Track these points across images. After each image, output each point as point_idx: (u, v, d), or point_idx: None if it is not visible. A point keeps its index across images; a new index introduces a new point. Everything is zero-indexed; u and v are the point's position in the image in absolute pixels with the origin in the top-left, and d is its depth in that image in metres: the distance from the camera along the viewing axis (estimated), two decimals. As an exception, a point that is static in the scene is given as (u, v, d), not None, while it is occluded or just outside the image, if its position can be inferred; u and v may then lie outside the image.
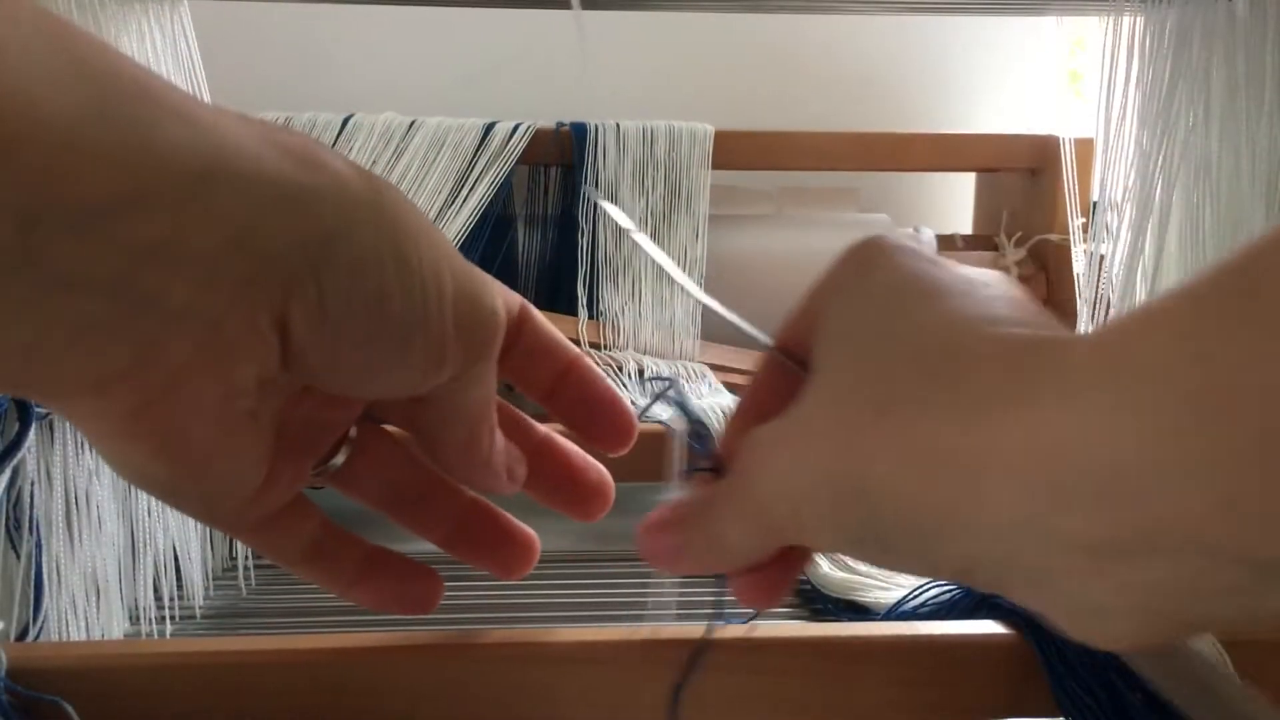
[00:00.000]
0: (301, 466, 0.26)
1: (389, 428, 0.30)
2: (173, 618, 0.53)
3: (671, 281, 0.74)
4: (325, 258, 0.21)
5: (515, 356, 0.29)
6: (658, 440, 0.56)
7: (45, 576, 0.45)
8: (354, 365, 0.22)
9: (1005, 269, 0.85)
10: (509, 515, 0.31)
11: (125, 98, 0.18)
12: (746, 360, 0.73)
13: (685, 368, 0.72)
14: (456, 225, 0.71)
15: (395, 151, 0.74)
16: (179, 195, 0.18)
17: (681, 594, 0.36)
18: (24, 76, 0.16)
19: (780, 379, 0.26)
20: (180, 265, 0.19)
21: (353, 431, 0.28)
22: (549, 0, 0.74)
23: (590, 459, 0.31)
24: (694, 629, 0.37)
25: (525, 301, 0.29)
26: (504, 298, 0.27)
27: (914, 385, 0.21)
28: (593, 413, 0.31)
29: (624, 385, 0.69)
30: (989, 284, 0.23)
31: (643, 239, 0.29)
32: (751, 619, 0.33)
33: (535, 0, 0.75)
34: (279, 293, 0.20)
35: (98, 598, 0.48)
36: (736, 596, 0.27)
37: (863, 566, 0.54)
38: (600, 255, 0.74)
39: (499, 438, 0.28)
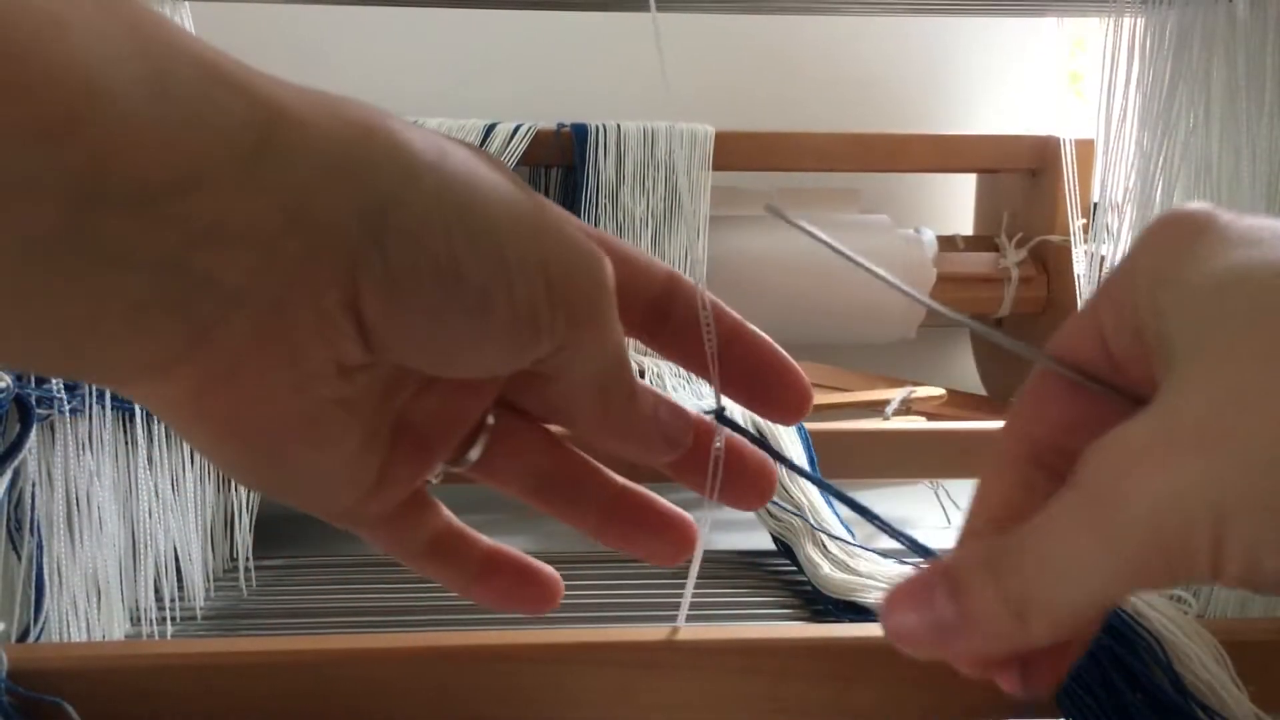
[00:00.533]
0: (426, 460, 0.25)
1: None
2: (173, 619, 0.53)
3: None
4: (385, 226, 0.19)
5: (671, 333, 0.27)
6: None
7: (46, 577, 0.45)
8: (437, 340, 0.21)
9: (1006, 270, 0.85)
10: (663, 501, 0.29)
11: (183, 72, 0.17)
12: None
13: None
14: (457, 226, 0.71)
15: (395, 152, 0.74)
16: (230, 174, 0.18)
17: (693, 595, 0.36)
18: (84, 51, 0.16)
19: (1057, 405, 0.24)
20: (234, 245, 0.18)
21: (490, 420, 0.26)
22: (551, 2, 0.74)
23: (753, 446, 0.29)
24: (698, 629, 0.37)
25: (673, 271, 0.26)
26: (649, 266, 0.26)
27: None
28: (766, 383, 0.28)
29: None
30: None
31: (839, 247, 0.25)
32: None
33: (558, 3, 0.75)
34: (343, 269, 0.19)
35: (98, 599, 0.48)
36: (1003, 679, 0.23)
37: (863, 566, 0.54)
38: (600, 256, 0.74)
39: (647, 399, 0.26)
